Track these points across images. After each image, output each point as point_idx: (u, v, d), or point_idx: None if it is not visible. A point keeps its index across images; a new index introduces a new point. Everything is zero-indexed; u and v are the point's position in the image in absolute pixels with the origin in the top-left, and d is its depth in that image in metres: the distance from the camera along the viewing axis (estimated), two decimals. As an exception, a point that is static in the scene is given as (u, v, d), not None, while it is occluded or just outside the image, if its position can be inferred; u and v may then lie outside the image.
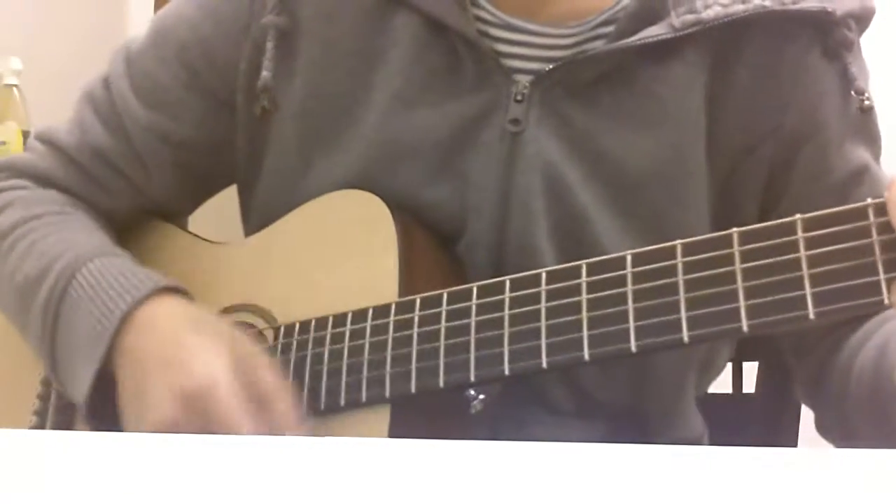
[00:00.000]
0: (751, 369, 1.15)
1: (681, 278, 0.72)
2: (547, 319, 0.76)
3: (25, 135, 2.02)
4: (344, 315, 0.83)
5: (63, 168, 0.98)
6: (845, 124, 0.90)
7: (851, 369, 0.87)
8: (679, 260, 0.73)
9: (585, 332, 0.74)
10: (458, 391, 0.79)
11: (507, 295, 0.78)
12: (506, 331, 0.77)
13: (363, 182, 0.88)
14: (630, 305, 0.73)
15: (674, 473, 0.55)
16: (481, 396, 0.80)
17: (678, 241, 0.73)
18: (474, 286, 0.79)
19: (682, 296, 0.72)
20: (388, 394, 0.80)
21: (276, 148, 0.94)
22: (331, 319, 0.84)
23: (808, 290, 0.68)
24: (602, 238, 0.86)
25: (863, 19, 0.90)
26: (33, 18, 2.45)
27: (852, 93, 0.89)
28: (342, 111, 0.90)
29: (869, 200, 0.68)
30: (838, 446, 0.93)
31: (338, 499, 0.52)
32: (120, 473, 0.55)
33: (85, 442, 0.65)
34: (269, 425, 0.78)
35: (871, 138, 0.92)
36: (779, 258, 0.70)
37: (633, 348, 0.73)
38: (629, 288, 0.74)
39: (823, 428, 0.95)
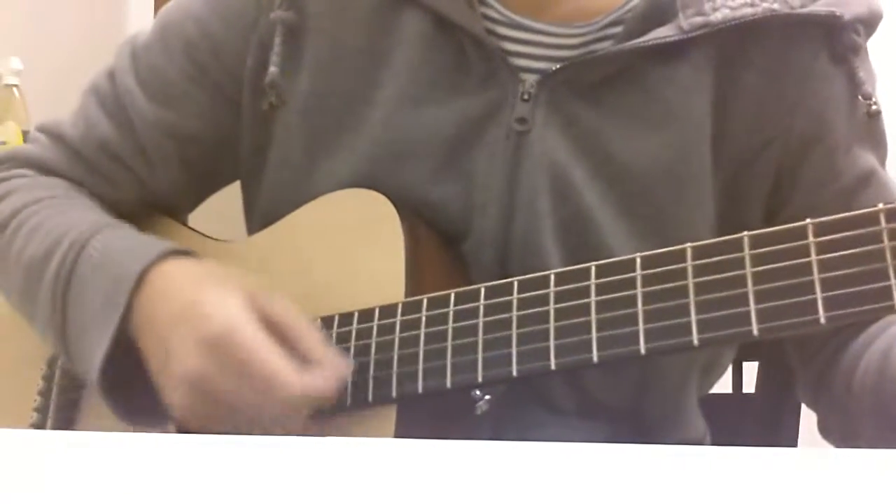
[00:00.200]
0: (751, 369, 1.14)
1: (691, 281, 0.72)
2: (556, 321, 0.76)
3: (25, 135, 2.02)
4: (350, 314, 0.83)
5: (67, 159, 0.98)
6: (852, 129, 0.90)
7: (855, 372, 0.87)
8: (689, 263, 0.73)
9: (594, 335, 0.74)
10: (465, 392, 0.79)
11: (516, 296, 0.78)
12: (514, 332, 0.77)
13: (369, 180, 0.88)
14: (640, 308, 0.73)
15: (674, 473, 0.55)
16: (487, 397, 0.80)
17: (688, 245, 0.73)
18: (482, 287, 0.79)
19: (691, 299, 0.72)
20: (394, 394, 0.80)
21: (281, 144, 0.94)
22: (336, 318, 0.84)
23: (818, 295, 0.68)
24: (607, 238, 0.86)
25: (870, 24, 0.90)
26: (33, 18, 2.44)
27: (860, 97, 0.89)
28: (348, 108, 0.90)
29: (880, 205, 0.68)
30: (841, 448, 0.93)
31: (343, 499, 0.52)
32: (120, 473, 0.55)
33: (85, 442, 0.65)
34: (296, 357, 0.78)
35: (877, 143, 0.92)
36: (789, 262, 0.70)
37: (643, 351, 0.73)
38: (639, 290, 0.74)
39: (826, 430, 0.95)
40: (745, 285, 0.71)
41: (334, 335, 0.83)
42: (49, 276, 0.88)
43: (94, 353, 0.84)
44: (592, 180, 0.87)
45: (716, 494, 0.52)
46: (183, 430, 0.90)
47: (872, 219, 0.68)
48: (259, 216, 0.97)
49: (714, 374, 0.99)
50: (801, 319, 0.69)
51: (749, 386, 1.16)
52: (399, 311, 0.81)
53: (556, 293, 0.76)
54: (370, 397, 0.81)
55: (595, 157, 0.87)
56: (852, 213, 0.69)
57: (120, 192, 0.99)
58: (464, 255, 0.89)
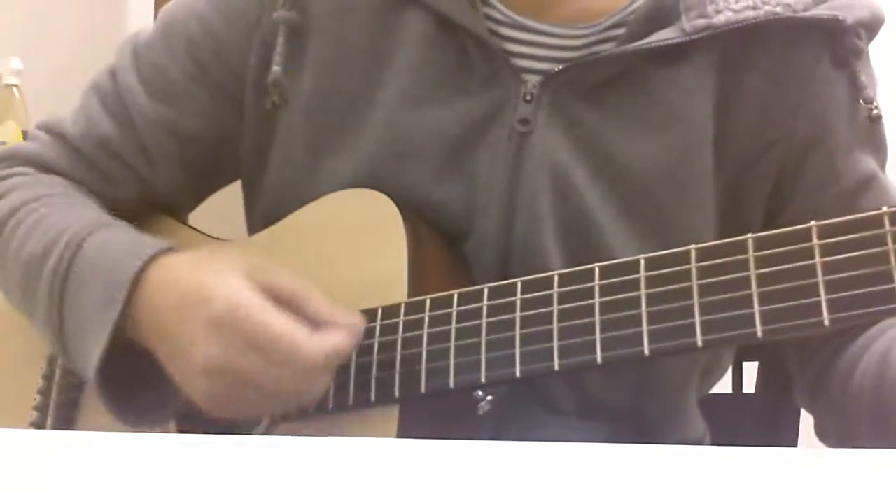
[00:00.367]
0: (751, 369, 1.15)
1: (695, 283, 0.72)
2: (559, 322, 0.76)
3: (25, 135, 2.02)
4: None
5: (67, 157, 0.98)
6: (853, 132, 0.90)
7: (853, 375, 0.87)
8: (693, 265, 0.73)
9: (598, 336, 0.74)
10: (467, 392, 0.79)
11: (519, 297, 0.78)
12: (517, 333, 0.77)
13: (371, 179, 0.88)
14: (643, 309, 0.73)
15: (674, 473, 0.55)
16: (489, 397, 0.80)
17: (692, 246, 0.73)
18: (485, 287, 0.79)
19: (696, 300, 0.72)
20: (397, 394, 0.80)
21: (283, 143, 0.94)
22: None
23: (823, 297, 0.68)
24: (608, 239, 0.86)
25: (872, 28, 0.90)
26: (33, 18, 2.45)
27: (861, 101, 0.89)
28: (351, 108, 0.90)
29: (885, 208, 0.68)
30: None
31: (344, 499, 0.52)
32: (120, 473, 0.55)
33: (85, 442, 0.65)
34: (305, 322, 0.78)
35: (878, 147, 0.92)
36: (793, 264, 0.70)
37: (647, 352, 0.73)
38: (643, 292, 0.74)
39: (823, 433, 0.95)
40: (750, 287, 0.71)
41: None
42: (47, 273, 0.88)
43: (92, 352, 0.83)
44: (594, 181, 0.87)
45: (716, 494, 0.52)
46: (184, 429, 0.90)
47: (877, 221, 0.68)
48: (260, 216, 0.96)
49: (714, 375, 0.99)
50: (805, 322, 0.69)
51: (749, 386, 1.16)
52: (402, 311, 0.81)
53: (560, 294, 0.76)
54: (373, 397, 0.81)
55: (596, 159, 0.87)
56: (856, 215, 0.69)
57: (120, 190, 0.99)
58: (465, 255, 0.89)
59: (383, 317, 0.82)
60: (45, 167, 0.99)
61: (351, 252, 0.87)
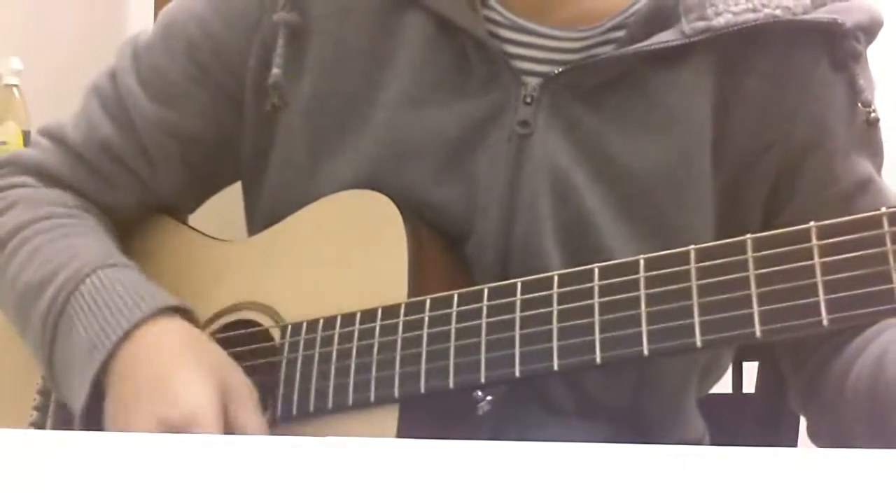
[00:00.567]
0: (751, 369, 1.15)
1: (694, 283, 0.72)
2: (559, 322, 0.76)
3: (25, 135, 2.02)
4: (352, 314, 0.83)
5: (69, 164, 0.98)
6: (851, 136, 0.90)
7: (848, 377, 0.87)
8: (693, 265, 0.73)
9: (598, 336, 0.74)
10: (467, 392, 0.79)
11: (519, 297, 0.78)
12: (517, 333, 0.77)
13: (371, 181, 0.88)
14: (643, 309, 0.73)
15: (674, 473, 0.55)
16: (489, 397, 0.80)
17: (692, 247, 0.74)
18: (485, 288, 0.79)
19: (695, 300, 0.72)
20: (397, 394, 0.80)
21: (283, 145, 0.94)
22: (339, 319, 0.84)
23: (822, 297, 0.69)
24: (607, 241, 0.87)
25: (871, 31, 0.90)
26: (33, 18, 2.45)
27: (859, 104, 0.89)
28: (351, 110, 0.90)
29: (883, 209, 0.69)
30: None
31: (344, 499, 0.52)
32: (120, 473, 0.55)
33: (85, 442, 0.65)
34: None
35: (875, 150, 0.93)
36: (793, 265, 0.70)
37: (646, 352, 0.73)
38: (642, 292, 0.74)
39: (816, 435, 0.95)
40: (749, 287, 0.71)
41: (336, 335, 0.83)
42: (42, 307, 0.89)
43: (77, 395, 0.85)
44: (593, 183, 0.87)
45: (716, 494, 0.52)
46: None
47: (875, 222, 0.69)
48: (261, 217, 0.97)
49: (713, 376, 1.00)
50: (803, 322, 0.69)
51: (749, 386, 1.16)
52: (402, 311, 0.81)
53: (560, 294, 0.77)
54: (372, 397, 0.81)
55: (596, 161, 0.87)
56: (855, 216, 0.70)
57: (121, 193, 0.99)
58: (465, 256, 0.89)
59: (383, 317, 0.82)
60: (46, 175, 0.99)
61: (351, 253, 0.87)
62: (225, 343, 0.92)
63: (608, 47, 0.88)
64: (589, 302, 0.75)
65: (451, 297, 0.80)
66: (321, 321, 0.85)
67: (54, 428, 0.95)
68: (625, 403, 0.92)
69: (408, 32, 0.89)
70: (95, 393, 0.84)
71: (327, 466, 0.56)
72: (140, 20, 2.45)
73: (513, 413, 0.85)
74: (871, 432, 0.84)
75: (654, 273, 0.74)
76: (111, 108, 0.97)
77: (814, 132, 0.89)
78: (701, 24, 0.86)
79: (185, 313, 0.87)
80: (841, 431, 0.89)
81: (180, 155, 0.97)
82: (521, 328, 0.77)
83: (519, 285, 0.78)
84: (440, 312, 0.80)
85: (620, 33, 0.88)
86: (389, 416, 0.80)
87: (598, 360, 0.74)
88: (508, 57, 0.88)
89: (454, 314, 0.79)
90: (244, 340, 0.91)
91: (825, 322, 0.68)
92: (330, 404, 0.82)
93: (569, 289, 0.76)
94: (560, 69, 0.87)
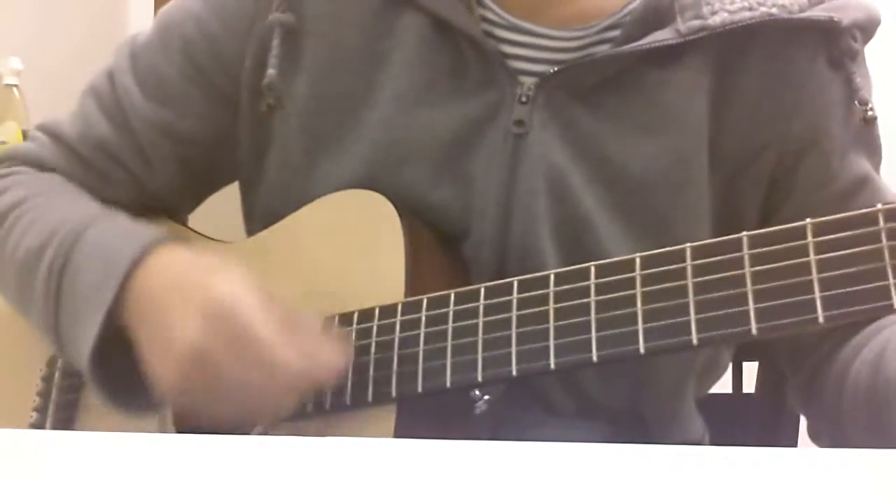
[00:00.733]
0: (751, 369, 1.15)
1: (690, 281, 0.73)
2: (555, 321, 0.76)
3: (25, 135, 2.02)
4: (350, 314, 0.83)
5: (65, 158, 0.98)
6: (848, 134, 0.90)
7: (847, 375, 0.87)
8: (689, 263, 0.73)
9: (594, 334, 0.74)
10: (464, 392, 0.79)
11: (515, 296, 0.78)
12: (513, 332, 0.77)
13: (368, 182, 0.88)
14: (639, 307, 0.73)
15: (674, 473, 0.55)
16: (486, 397, 0.80)
17: (688, 245, 0.74)
18: (482, 287, 0.79)
19: (691, 298, 0.72)
20: (394, 393, 0.80)
21: (280, 146, 0.94)
22: (336, 319, 0.84)
23: (817, 294, 0.69)
24: (603, 240, 0.87)
25: (868, 30, 0.90)
26: (33, 18, 2.45)
27: (856, 103, 0.89)
28: (347, 110, 0.90)
29: (879, 205, 0.69)
30: None
31: (343, 499, 0.52)
32: (120, 473, 0.55)
33: (85, 442, 0.65)
34: (296, 339, 0.77)
35: (872, 149, 0.92)
36: (788, 262, 0.70)
37: (642, 350, 0.73)
38: (638, 290, 0.74)
39: (816, 435, 0.95)
40: (744, 285, 0.71)
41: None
42: (44, 266, 0.88)
43: (86, 338, 0.83)
44: (589, 183, 0.87)
45: (716, 494, 0.52)
46: (178, 418, 0.89)
47: (871, 219, 0.69)
48: (258, 218, 0.97)
49: (712, 376, 0.99)
50: (799, 319, 0.69)
51: (749, 386, 1.16)
52: (399, 310, 0.81)
53: (556, 293, 0.77)
54: (370, 397, 0.81)
55: (592, 160, 0.87)
56: (851, 213, 0.70)
57: (117, 190, 0.99)
58: (463, 256, 0.89)
59: (380, 316, 0.82)
60: (42, 167, 0.99)
61: (349, 252, 0.87)
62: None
63: (604, 47, 0.88)
64: (585, 300, 0.75)
65: (448, 296, 0.80)
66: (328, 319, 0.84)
67: (53, 429, 0.95)
68: (623, 404, 0.92)
69: (403, 33, 0.89)
70: (105, 342, 0.82)
71: (326, 466, 0.56)
72: (140, 20, 2.45)
73: (513, 414, 0.85)
74: (871, 430, 0.84)
75: (650, 271, 0.74)
76: (108, 107, 0.97)
77: (811, 131, 0.89)
78: (697, 22, 0.86)
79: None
80: (841, 430, 0.89)
81: (176, 155, 0.97)
82: (518, 327, 0.77)
83: (515, 284, 0.78)
84: (437, 312, 0.80)
85: (616, 32, 0.88)
86: (387, 416, 0.80)
87: (595, 358, 0.74)
88: (504, 57, 0.88)
89: (451, 313, 0.79)
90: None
91: (821, 319, 0.69)
92: (328, 404, 0.82)
93: (565, 287, 0.76)
94: (556, 68, 0.87)
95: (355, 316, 0.83)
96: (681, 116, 0.87)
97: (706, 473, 0.55)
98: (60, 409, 0.95)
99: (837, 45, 0.88)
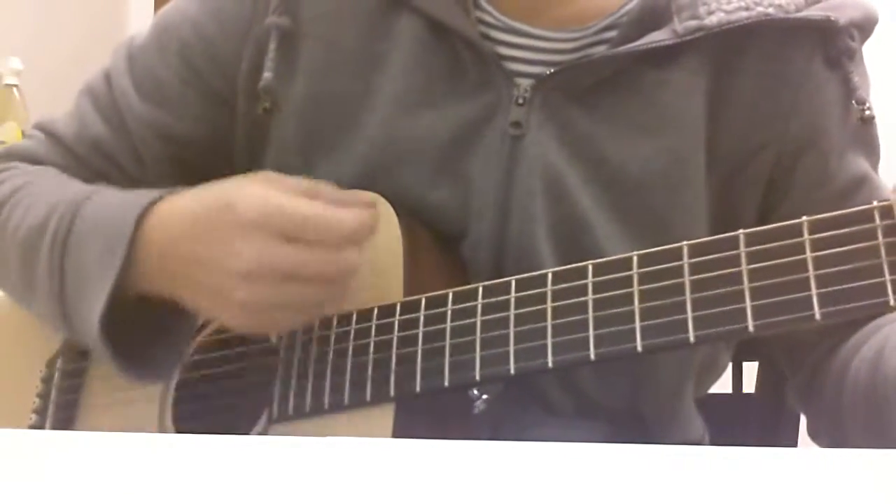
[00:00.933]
0: (751, 369, 1.15)
1: (687, 279, 0.73)
2: (553, 319, 0.76)
3: (25, 135, 2.02)
4: (348, 314, 0.83)
5: (61, 157, 0.98)
6: (846, 133, 0.90)
7: (846, 375, 0.87)
8: (685, 261, 0.73)
9: (591, 332, 0.74)
10: (463, 391, 0.79)
11: (513, 295, 0.78)
12: (511, 330, 0.77)
13: (366, 183, 0.88)
14: (636, 305, 0.74)
15: (674, 473, 0.55)
16: (485, 396, 0.80)
17: (684, 243, 0.74)
18: (480, 286, 0.79)
19: (688, 296, 0.72)
20: (392, 393, 0.80)
21: (276, 148, 0.94)
22: (335, 319, 0.84)
23: (814, 291, 0.69)
24: (601, 241, 0.87)
25: (865, 28, 0.90)
26: (33, 18, 2.45)
27: (854, 102, 0.89)
28: (344, 113, 0.90)
29: (875, 203, 0.69)
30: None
31: (342, 498, 0.52)
32: (120, 473, 0.55)
33: (85, 442, 0.65)
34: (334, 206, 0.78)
35: (870, 148, 0.92)
36: (785, 259, 0.70)
37: (639, 348, 0.73)
38: (635, 288, 0.74)
39: (816, 434, 0.95)
40: (741, 282, 0.71)
41: (333, 335, 0.84)
42: (47, 239, 0.87)
43: (95, 305, 0.82)
44: (586, 184, 0.87)
45: (716, 494, 0.52)
46: (182, 429, 0.90)
47: (867, 216, 0.69)
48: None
49: (711, 376, 0.99)
50: (796, 316, 0.69)
51: (749, 386, 1.16)
52: (397, 310, 0.81)
53: (554, 292, 0.77)
54: (368, 396, 0.81)
55: (589, 161, 0.87)
56: (847, 210, 0.70)
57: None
58: (461, 256, 0.89)
59: (379, 316, 0.82)
60: (38, 164, 0.99)
61: None
62: (222, 344, 0.92)
63: (601, 48, 0.88)
64: (583, 299, 0.76)
65: (446, 295, 0.80)
66: (317, 321, 0.85)
67: (53, 430, 0.95)
68: (623, 404, 0.92)
69: (400, 35, 0.89)
70: (113, 316, 0.82)
71: (324, 466, 0.56)
72: (140, 20, 2.45)
73: (512, 414, 0.85)
74: (870, 428, 0.84)
75: (647, 269, 0.74)
76: (104, 107, 0.98)
77: (808, 131, 0.89)
78: (693, 23, 0.86)
79: None
80: (841, 429, 0.89)
81: (172, 156, 0.97)
82: (516, 326, 0.77)
83: (513, 283, 0.78)
84: (435, 311, 0.80)
85: (613, 33, 0.88)
86: (385, 416, 0.80)
87: (592, 356, 0.74)
88: (501, 59, 0.88)
89: (449, 312, 0.79)
90: (242, 341, 0.91)
91: (818, 316, 0.69)
92: (326, 404, 0.82)
93: (563, 286, 0.77)
94: (552, 70, 0.87)
95: (354, 316, 0.83)
96: (678, 117, 0.87)
97: (706, 473, 0.55)
98: (60, 409, 0.95)
99: (835, 44, 0.88)
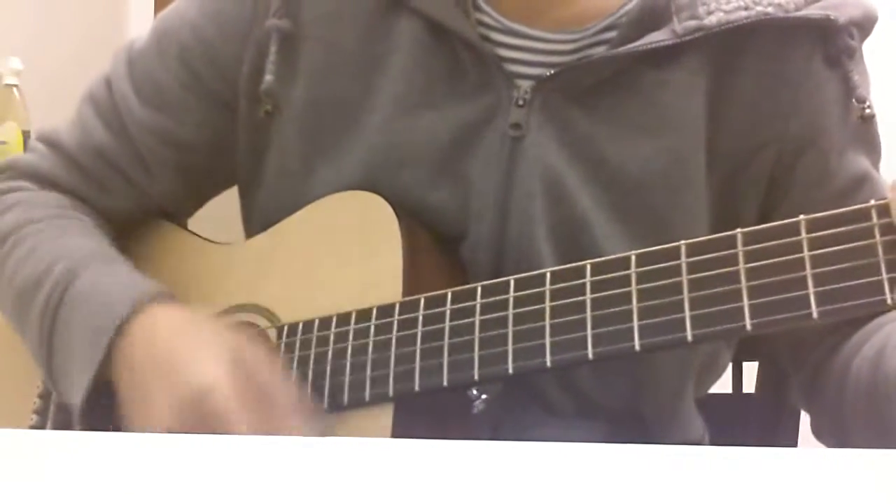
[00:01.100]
0: (751, 369, 1.14)
1: (685, 278, 0.73)
2: (551, 318, 0.76)
3: (25, 135, 2.02)
4: (348, 314, 0.84)
5: (65, 169, 0.99)
6: (846, 132, 0.90)
7: (848, 373, 0.87)
8: (683, 260, 0.73)
9: (589, 331, 0.75)
10: (462, 391, 0.79)
11: (512, 294, 0.78)
12: (510, 330, 0.77)
13: (366, 185, 0.88)
14: (634, 305, 0.74)
15: (674, 473, 0.55)
16: (484, 396, 0.80)
17: (682, 242, 0.74)
18: (478, 286, 0.80)
19: (686, 295, 0.73)
20: (391, 392, 0.80)
21: (278, 151, 0.94)
22: (334, 319, 0.84)
23: (811, 290, 0.69)
24: (601, 242, 0.87)
25: (865, 27, 0.90)
26: (33, 18, 2.44)
27: (854, 101, 0.89)
28: (345, 115, 0.90)
29: (872, 202, 0.69)
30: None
31: (341, 498, 0.52)
32: (120, 473, 0.55)
33: (85, 442, 0.65)
34: (271, 424, 0.78)
35: (871, 146, 0.92)
36: (782, 258, 0.70)
37: (637, 347, 0.73)
38: (633, 287, 0.74)
39: (819, 432, 0.95)
40: (739, 281, 0.71)
41: (332, 335, 0.84)
42: (38, 305, 0.89)
43: (78, 387, 0.85)
44: (586, 185, 0.87)
45: (716, 494, 0.52)
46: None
47: (864, 214, 0.69)
48: (257, 222, 0.97)
49: (711, 376, 0.99)
50: (794, 314, 0.70)
51: (749, 386, 1.16)
52: (396, 310, 0.81)
53: (552, 291, 0.77)
54: (367, 396, 0.81)
55: (589, 162, 0.87)
56: (844, 209, 0.70)
57: (117, 198, 0.99)
58: (461, 257, 0.89)
59: (378, 316, 0.82)
60: (42, 180, 0.99)
61: (347, 253, 0.87)
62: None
63: (600, 48, 0.88)
64: (581, 298, 0.76)
65: (445, 295, 0.80)
66: (316, 321, 0.85)
67: (54, 430, 0.95)
68: (623, 404, 0.92)
69: (400, 37, 0.89)
70: (95, 386, 0.84)
71: (324, 466, 0.56)
72: (140, 21, 2.45)
73: (512, 414, 0.85)
74: (872, 426, 0.84)
75: (646, 268, 0.74)
76: (105, 114, 0.98)
77: (808, 130, 0.89)
78: (692, 23, 0.86)
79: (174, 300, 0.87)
80: (843, 427, 0.89)
81: (175, 161, 0.97)
82: (514, 325, 0.77)
83: (512, 283, 0.78)
84: (434, 311, 0.80)
85: (612, 34, 0.88)
86: (384, 415, 0.80)
87: (591, 355, 0.74)
88: (501, 60, 0.88)
89: (448, 312, 0.79)
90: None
91: (815, 314, 0.69)
92: (325, 404, 0.82)
93: (561, 285, 0.77)
94: (552, 71, 0.87)
95: (353, 316, 0.83)
96: (678, 117, 0.87)
97: (706, 473, 0.55)
98: (61, 410, 0.95)
99: (834, 43, 0.88)
